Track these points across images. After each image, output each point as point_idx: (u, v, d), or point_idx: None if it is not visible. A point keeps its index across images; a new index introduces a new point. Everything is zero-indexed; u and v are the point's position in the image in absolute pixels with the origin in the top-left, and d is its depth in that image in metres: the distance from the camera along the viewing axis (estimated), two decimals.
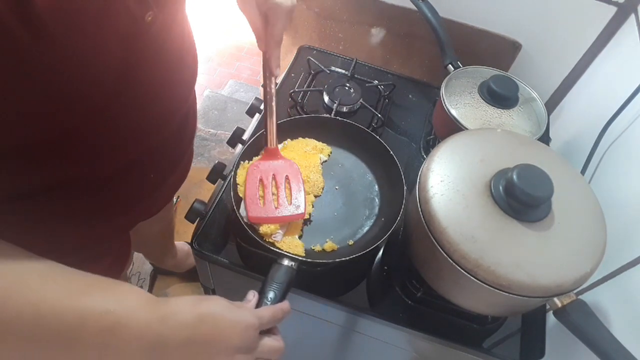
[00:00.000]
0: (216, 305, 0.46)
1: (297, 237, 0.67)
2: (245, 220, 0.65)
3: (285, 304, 0.54)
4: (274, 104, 0.65)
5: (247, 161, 0.71)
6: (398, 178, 0.71)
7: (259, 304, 0.54)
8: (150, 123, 0.53)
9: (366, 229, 0.71)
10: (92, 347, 0.38)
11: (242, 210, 0.66)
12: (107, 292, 0.41)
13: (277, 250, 0.62)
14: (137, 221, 0.66)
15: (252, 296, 0.54)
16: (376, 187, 0.75)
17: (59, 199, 0.51)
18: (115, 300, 0.40)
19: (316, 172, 0.74)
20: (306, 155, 0.75)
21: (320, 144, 0.78)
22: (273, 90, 0.65)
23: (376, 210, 0.73)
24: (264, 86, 0.65)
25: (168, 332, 0.41)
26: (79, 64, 0.38)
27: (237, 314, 0.46)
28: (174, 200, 1.52)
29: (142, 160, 0.56)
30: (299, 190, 0.67)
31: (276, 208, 0.65)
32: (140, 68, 0.46)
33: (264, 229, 0.64)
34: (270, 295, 0.55)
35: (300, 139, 0.78)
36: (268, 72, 0.63)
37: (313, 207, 0.71)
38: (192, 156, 0.75)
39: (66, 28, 0.35)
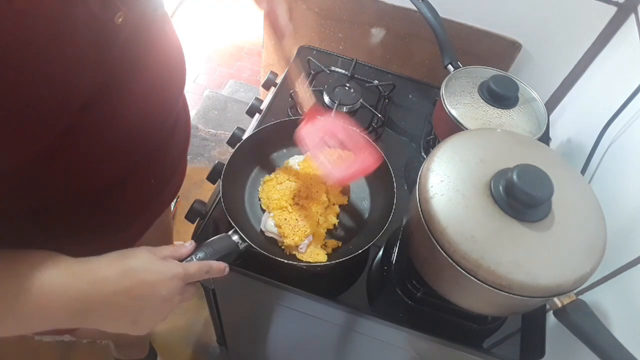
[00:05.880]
0: (140, 259, 0.46)
1: (319, 246, 0.67)
2: (269, 233, 0.65)
3: (221, 263, 0.54)
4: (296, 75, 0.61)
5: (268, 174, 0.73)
6: (389, 183, 0.71)
7: (186, 260, 0.54)
8: (141, 129, 0.51)
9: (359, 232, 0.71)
10: (15, 315, 0.40)
11: (265, 225, 0.67)
12: (17, 260, 0.41)
13: (297, 263, 0.63)
14: (140, 234, 0.65)
15: (189, 244, 0.54)
16: (367, 190, 0.76)
17: (59, 219, 0.50)
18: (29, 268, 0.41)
19: None
20: None
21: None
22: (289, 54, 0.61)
23: (366, 214, 0.73)
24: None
25: (89, 288, 0.43)
26: (47, 84, 0.35)
27: (162, 266, 0.47)
28: (174, 200, 1.52)
29: (135, 171, 0.54)
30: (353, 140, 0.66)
31: (348, 165, 0.64)
32: (118, 74, 0.43)
33: (288, 241, 0.64)
34: (200, 255, 0.55)
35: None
36: (279, 33, 0.58)
37: (339, 218, 0.71)
38: (186, 164, 0.71)
39: (21, 57, 0.32)
